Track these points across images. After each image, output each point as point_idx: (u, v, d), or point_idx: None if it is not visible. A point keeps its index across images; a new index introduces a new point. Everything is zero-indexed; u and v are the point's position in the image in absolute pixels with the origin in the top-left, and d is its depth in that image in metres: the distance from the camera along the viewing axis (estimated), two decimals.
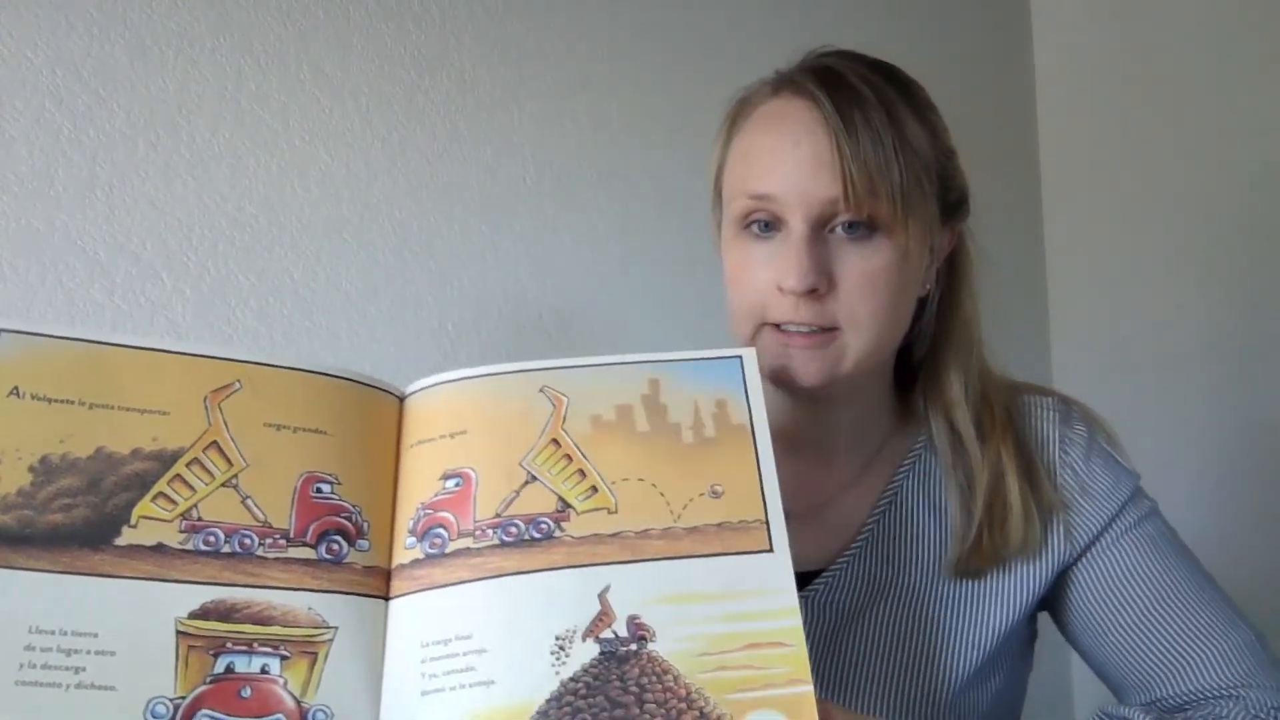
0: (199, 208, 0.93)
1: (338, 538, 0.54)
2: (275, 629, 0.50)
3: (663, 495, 0.55)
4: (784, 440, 0.75)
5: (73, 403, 0.52)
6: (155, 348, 0.56)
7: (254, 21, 0.97)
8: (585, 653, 0.50)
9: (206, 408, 0.55)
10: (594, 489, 0.56)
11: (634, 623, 0.51)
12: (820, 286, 0.65)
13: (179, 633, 0.49)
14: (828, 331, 0.67)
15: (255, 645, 0.50)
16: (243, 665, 0.49)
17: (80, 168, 0.87)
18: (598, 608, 0.51)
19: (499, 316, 1.12)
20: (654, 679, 0.49)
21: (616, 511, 0.55)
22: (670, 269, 1.26)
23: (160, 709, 0.47)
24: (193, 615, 0.49)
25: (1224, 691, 0.67)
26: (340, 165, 1.02)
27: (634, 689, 0.49)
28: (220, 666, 0.49)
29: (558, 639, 0.51)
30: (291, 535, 0.53)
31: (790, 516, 0.73)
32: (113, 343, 0.55)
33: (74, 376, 0.53)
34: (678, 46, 1.29)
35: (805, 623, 0.66)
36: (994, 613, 0.71)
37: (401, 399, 0.62)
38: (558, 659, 0.50)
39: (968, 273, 0.76)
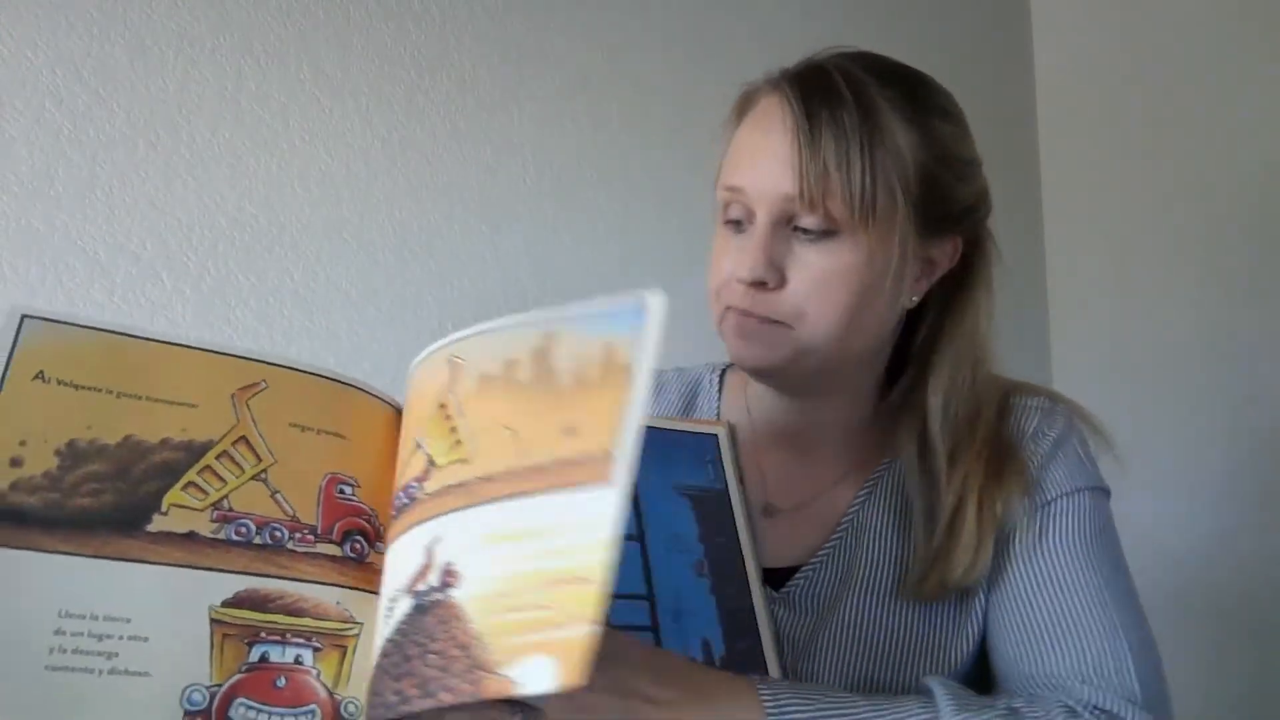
0: (199, 208, 0.93)
1: (360, 538, 0.55)
2: (307, 621, 0.50)
3: (518, 439, 0.52)
4: (772, 435, 0.77)
5: (100, 390, 0.52)
6: (182, 343, 0.56)
7: (254, 21, 0.97)
8: (404, 608, 0.49)
9: (234, 404, 0.55)
10: (458, 443, 0.53)
11: (445, 570, 0.48)
12: (769, 280, 0.66)
13: (213, 620, 0.49)
14: (775, 324, 0.68)
15: (289, 636, 0.50)
16: (277, 655, 0.49)
17: (80, 168, 0.87)
18: (423, 560, 0.50)
19: (499, 316, 1.12)
20: (442, 626, 0.46)
21: (469, 461, 0.52)
22: (670, 269, 1.26)
23: (197, 696, 0.47)
24: (226, 603, 0.49)
25: (1061, 683, 0.64)
26: (340, 165, 1.02)
27: (423, 639, 0.46)
28: (255, 656, 0.49)
29: (389, 600, 0.50)
30: (319, 532, 0.54)
31: (776, 511, 0.74)
32: (140, 335, 0.55)
33: (102, 365, 0.52)
34: (678, 47, 1.29)
35: (784, 618, 0.66)
36: (973, 619, 0.70)
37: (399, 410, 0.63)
38: (387, 618, 0.49)
39: (973, 286, 0.73)
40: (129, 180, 0.90)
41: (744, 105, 0.72)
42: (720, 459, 0.75)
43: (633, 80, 1.25)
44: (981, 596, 0.70)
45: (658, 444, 0.73)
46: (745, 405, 0.80)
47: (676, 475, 0.72)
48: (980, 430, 0.70)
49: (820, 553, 0.72)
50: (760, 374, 0.72)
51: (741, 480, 0.74)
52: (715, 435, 0.76)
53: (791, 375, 0.71)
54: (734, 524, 0.72)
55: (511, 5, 1.15)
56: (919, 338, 0.75)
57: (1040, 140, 1.79)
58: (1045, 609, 0.67)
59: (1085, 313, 1.73)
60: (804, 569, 0.72)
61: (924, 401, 0.71)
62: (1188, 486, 1.52)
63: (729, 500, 0.73)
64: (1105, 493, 0.73)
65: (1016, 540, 0.70)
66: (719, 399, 0.83)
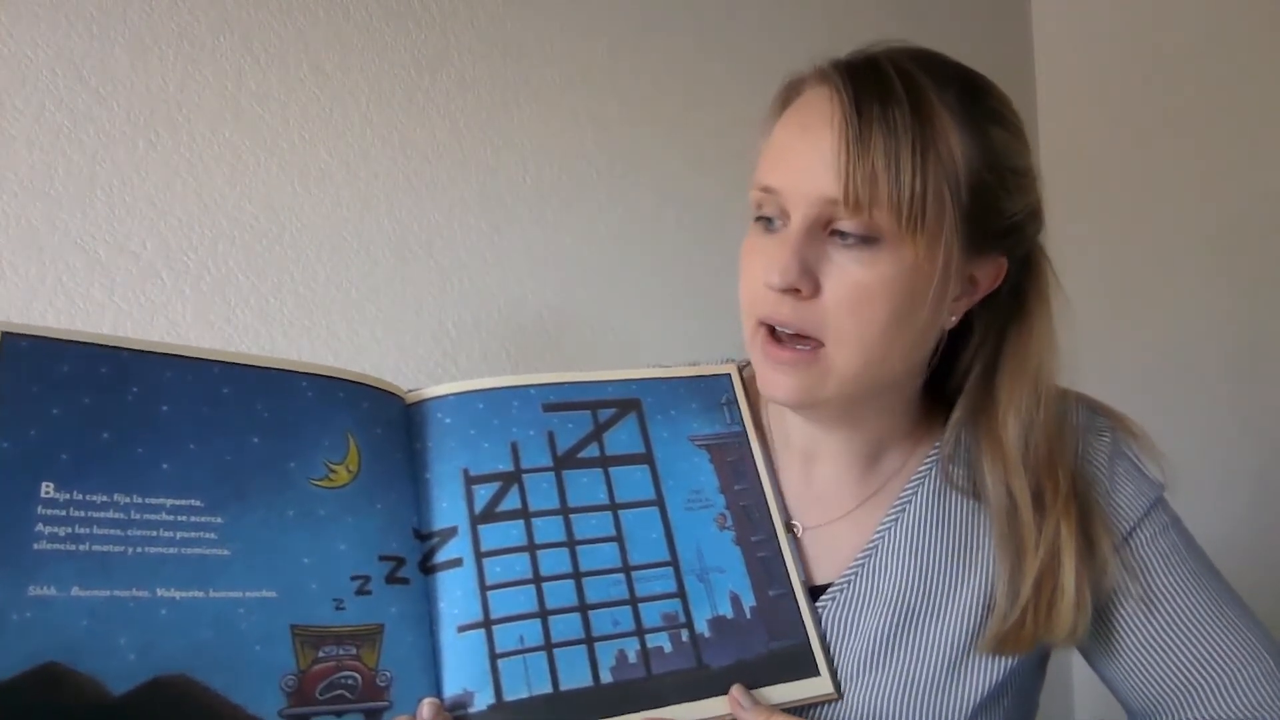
0: (199, 208, 0.93)
1: None
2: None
3: None
4: (804, 453, 0.74)
5: None
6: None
7: (254, 21, 0.97)
8: None
9: None
10: None
11: None
12: (803, 288, 0.61)
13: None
14: (811, 344, 0.63)
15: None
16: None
17: (80, 167, 0.87)
18: None
19: (499, 316, 1.12)
20: None
21: None
22: (670, 269, 1.26)
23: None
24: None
25: None
26: (340, 165, 1.02)
27: None
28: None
29: None
30: None
31: (799, 530, 0.72)
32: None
33: None
34: (679, 46, 1.29)
35: (820, 636, 0.66)
36: (999, 669, 0.67)
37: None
38: None
39: (1030, 314, 0.69)
40: (129, 180, 0.90)
41: (787, 96, 0.67)
42: (736, 400, 0.75)
43: (633, 79, 1.24)
44: (1030, 655, 0.68)
45: (668, 397, 0.73)
46: (767, 418, 0.77)
47: (691, 428, 0.73)
48: (1063, 478, 0.67)
49: (847, 572, 0.70)
50: (790, 407, 0.69)
51: (757, 424, 0.74)
52: (728, 375, 0.76)
53: (822, 409, 0.68)
54: (754, 467, 0.72)
55: (511, 5, 1.15)
56: (967, 367, 0.71)
57: (1040, 140, 1.79)
58: (1187, 656, 0.67)
59: (1084, 314, 1.72)
60: (831, 588, 0.69)
61: (1004, 445, 0.67)
62: (1192, 498, 1.52)
63: (748, 443, 0.73)
64: (1162, 488, 0.72)
65: (1121, 594, 0.68)
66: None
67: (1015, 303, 0.69)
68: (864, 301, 0.61)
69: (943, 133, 0.60)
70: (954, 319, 0.67)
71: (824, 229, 0.62)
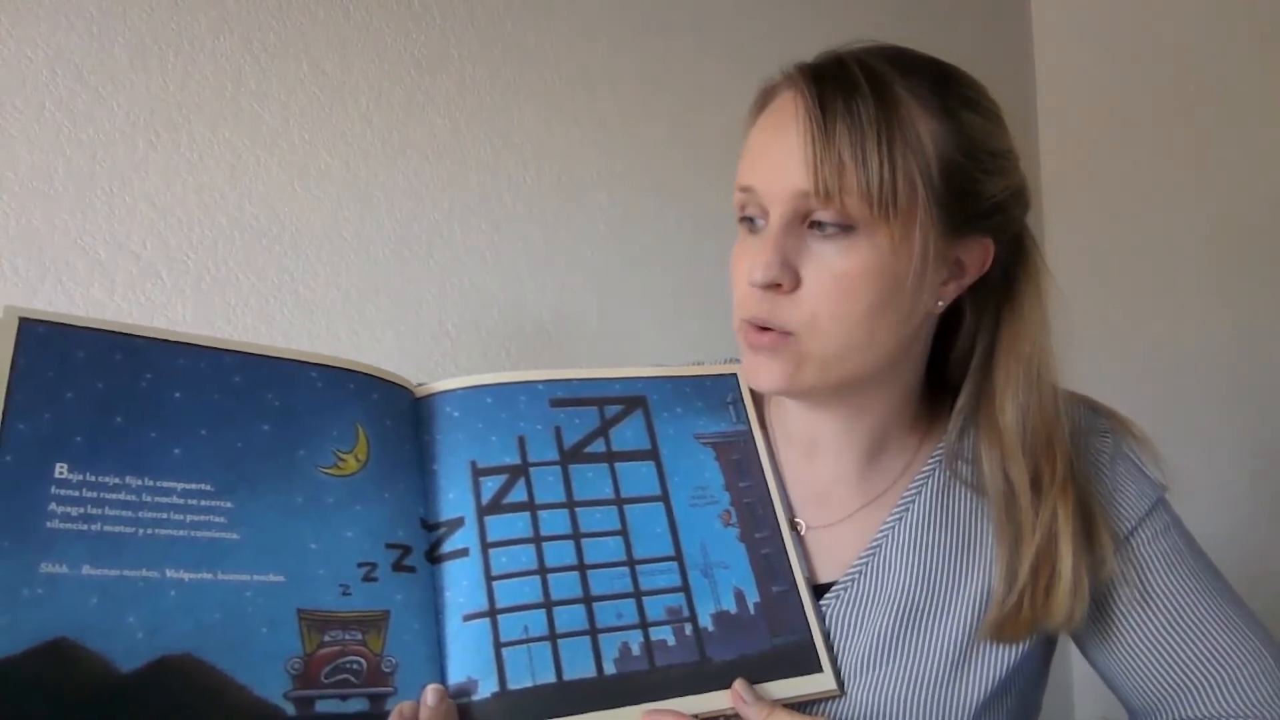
0: (199, 207, 0.93)
1: None
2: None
3: None
4: (805, 446, 0.74)
5: None
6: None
7: (254, 21, 0.97)
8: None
9: None
10: None
11: None
12: (784, 282, 0.63)
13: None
14: (783, 335, 0.64)
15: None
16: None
17: (80, 167, 0.87)
18: None
19: (499, 316, 1.12)
20: None
21: None
22: (670, 269, 1.26)
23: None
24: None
25: (1234, 718, 0.65)
26: (340, 165, 1.02)
27: None
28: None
29: None
30: None
31: (803, 529, 0.72)
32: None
33: None
34: (678, 46, 1.29)
35: (825, 635, 0.66)
36: (1005, 660, 0.68)
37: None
38: None
39: (1020, 296, 0.69)
40: (129, 180, 0.90)
41: (762, 102, 0.69)
42: (741, 399, 0.75)
43: (633, 79, 1.25)
44: (1039, 644, 0.69)
45: (674, 395, 0.74)
46: (770, 418, 0.77)
47: (697, 425, 0.73)
48: (1060, 462, 0.67)
49: (851, 570, 0.70)
50: (775, 393, 0.70)
51: (761, 424, 0.75)
52: (734, 375, 0.77)
53: (811, 393, 0.68)
54: (759, 465, 0.73)
55: (511, 5, 1.15)
56: (965, 356, 0.72)
57: (1040, 140, 1.79)
58: (1187, 654, 0.67)
59: (1083, 314, 1.73)
60: (836, 587, 0.69)
61: (1001, 429, 0.68)
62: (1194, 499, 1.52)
63: (753, 441, 0.74)
64: (1164, 489, 0.72)
65: (1120, 591, 0.69)
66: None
67: (1006, 286, 0.70)
68: (844, 289, 0.63)
69: (909, 120, 0.61)
70: (942, 304, 0.68)
71: (802, 223, 0.63)
